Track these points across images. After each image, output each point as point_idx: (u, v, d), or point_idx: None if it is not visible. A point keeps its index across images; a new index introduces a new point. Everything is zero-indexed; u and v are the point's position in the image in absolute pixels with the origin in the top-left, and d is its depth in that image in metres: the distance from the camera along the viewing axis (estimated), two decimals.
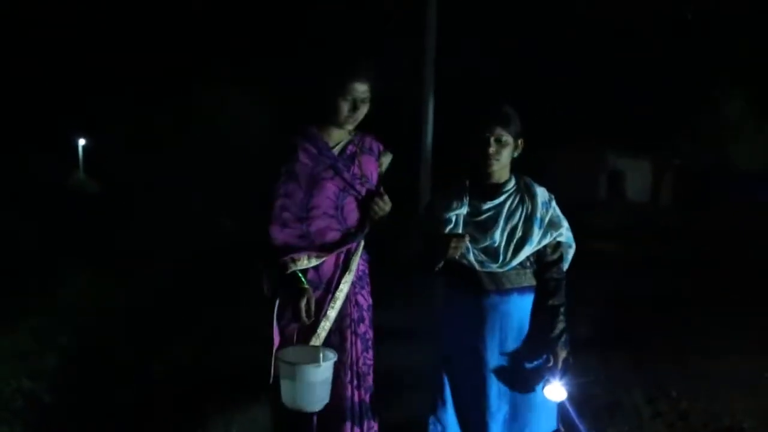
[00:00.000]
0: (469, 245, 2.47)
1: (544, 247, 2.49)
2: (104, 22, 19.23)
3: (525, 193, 2.51)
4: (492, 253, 2.46)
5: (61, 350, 4.87)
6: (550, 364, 2.43)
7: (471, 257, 2.48)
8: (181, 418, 3.77)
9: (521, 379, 2.49)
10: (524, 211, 2.48)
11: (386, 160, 2.73)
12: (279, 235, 2.49)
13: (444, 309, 2.66)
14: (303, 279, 2.47)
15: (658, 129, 20.23)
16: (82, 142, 28.92)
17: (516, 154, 2.53)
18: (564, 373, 2.41)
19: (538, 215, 2.47)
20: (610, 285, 7.90)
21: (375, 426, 2.64)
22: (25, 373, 4.35)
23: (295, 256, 2.46)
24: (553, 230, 2.49)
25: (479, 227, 2.50)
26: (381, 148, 2.73)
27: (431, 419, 2.56)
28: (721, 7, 17.17)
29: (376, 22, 16.27)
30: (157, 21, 18.48)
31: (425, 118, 10.76)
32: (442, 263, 2.47)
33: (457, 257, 2.46)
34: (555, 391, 2.40)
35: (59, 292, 6.58)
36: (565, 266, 2.60)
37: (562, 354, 2.43)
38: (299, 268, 2.45)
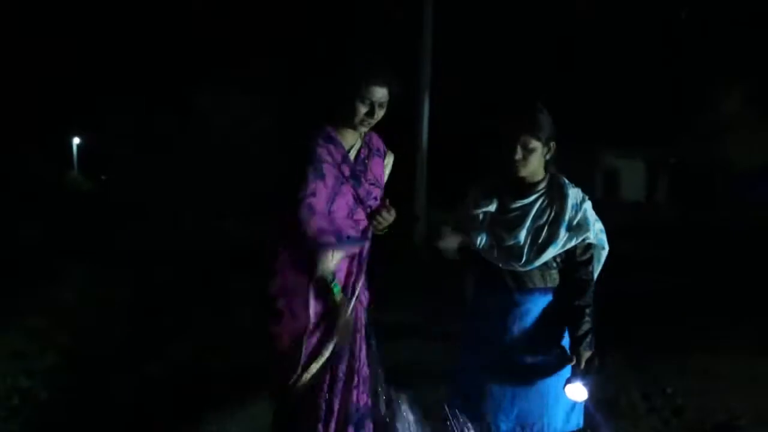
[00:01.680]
0: (494, 243, 2.50)
1: (574, 247, 2.48)
2: (103, 21, 19.18)
3: (556, 194, 2.50)
4: (516, 253, 2.47)
5: (59, 349, 4.87)
6: (573, 363, 2.43)
7: (494, 255, 2.50)
8: (179, 415, 3.77)
9: (538, 375, 2.50)
10: (552, 212, 2.47)
11: (390, 160, 2.73)
12: (309, 219, 2.40)
13: (471, 305, 2.68)
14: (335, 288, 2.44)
15: (652, 127, 20.27)
16: (76, 140, 28.88)
17: (548, 156, 2.51)
18: (587, 373, 2.41)
19: (566, 217, 2.46)
20: (606, 283, 7.92)
21: (371, 427, 2.64)
22: (22, 371, 4.35)
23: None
24: (580, 233, 2.46)
25: (506, 225, 2.51)
26: (385, 148, 2.72)
27: (453, 410, 2.57)
28: (717, 5, 17.24)
29: (374, 22, 16.27)
30: (157, 20, 18.45)
31: (421, 117, 10.76)
32: (457, 255, 2.53)
33: (477, 250, 2.50)
34: (576, 391, 2.40)
35: (57, 291, 6.57)
36: (598, 268, 2.59)
37: (586, 354, 2.42)
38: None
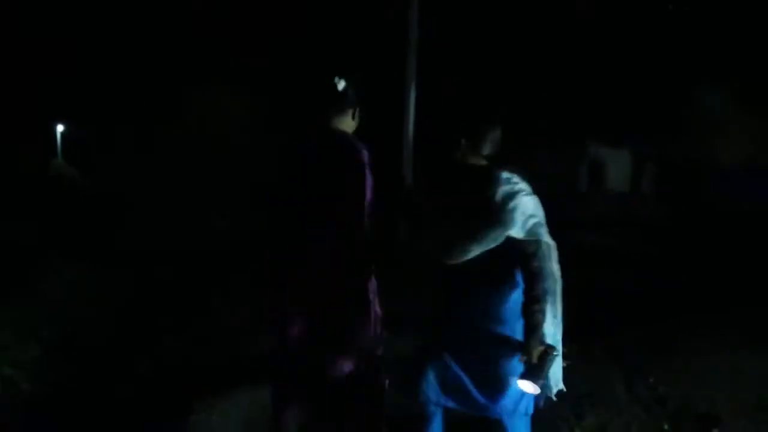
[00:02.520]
0: (425, 234, 2.57)
1: (520, 241, 2.45)
2: (90, 10, 18.96)
3: (487, 188, 2.47)
4: (445, 244, 2.48)
5: (43, 341, 4.84)
6: (524, 358, 2.42)
7: (424, 246, 2.57)
8: (163, 407, 3.77)
9: (491, 362, 2.52)
10: (479, 206, 2.46)
11: None
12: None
13: (432, 296, 2.72)
14: None
15: (638, 119, 20.36)
16: (60, 128, 28.53)
17: (486, 151, 2.53)
18: (537, 366, 2.39)
19: (492, 212, 2.43)
20: (591, 276, 7.96)
21: None
22: (4, 361, 4.33)
23: None
24: (505, 228, 2.42)
25: (437, 217, 2.55)
26: None
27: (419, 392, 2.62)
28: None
29: (361, 11, 16.24)
30: (147, 11, 18.27)
31: (407, 107, 10.78)
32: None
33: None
34: (527, 385, 2.39)
35: (43, 285, 6.53)
36: (546, 261, 2.53)
37: (536, 347, 2.41)
38: None
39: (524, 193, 2.49)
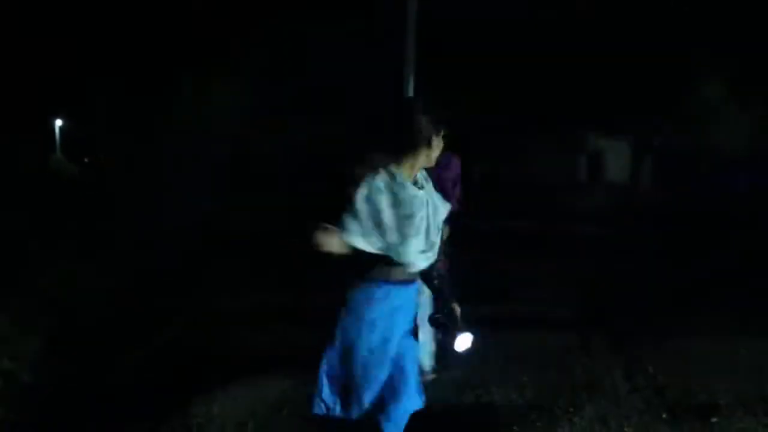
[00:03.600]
0: (401, 243, 2.56)
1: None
2: (89, 5, 18.91)
3: (426, 182, 2.56)
4: (434, 251, 2.55)
5: (42, 333, 4.84)
6: (449, 314, 2.49)
7: (404, 256, 2.56)
8: (163, 398, 3.76)
9: (399, 360, 2.50)
10: (432, 199, 2.56)
11: None
12: None
13: (351, 293, 2.58)
14: None
15: (637, 109, 20.31)
16: (59, 123, 28.52)
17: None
18: (462, 324, 2.48)
19: (438, 201, 2.57)
20: (590, 266, 7.98)
21: None
22: (4, 354, 4.33)
23: None
24: (444, 213, 2.60)
25: (411, 223, 2.50)
26: None
27: (316, 400, 2.56)
28: None
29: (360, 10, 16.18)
30: (150, 11, 18.22)
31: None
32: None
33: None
34: (463, 340, 2.44)
35: (41, 276, 6.52)
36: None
37: (452, 302, 2.51)
38: None
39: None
